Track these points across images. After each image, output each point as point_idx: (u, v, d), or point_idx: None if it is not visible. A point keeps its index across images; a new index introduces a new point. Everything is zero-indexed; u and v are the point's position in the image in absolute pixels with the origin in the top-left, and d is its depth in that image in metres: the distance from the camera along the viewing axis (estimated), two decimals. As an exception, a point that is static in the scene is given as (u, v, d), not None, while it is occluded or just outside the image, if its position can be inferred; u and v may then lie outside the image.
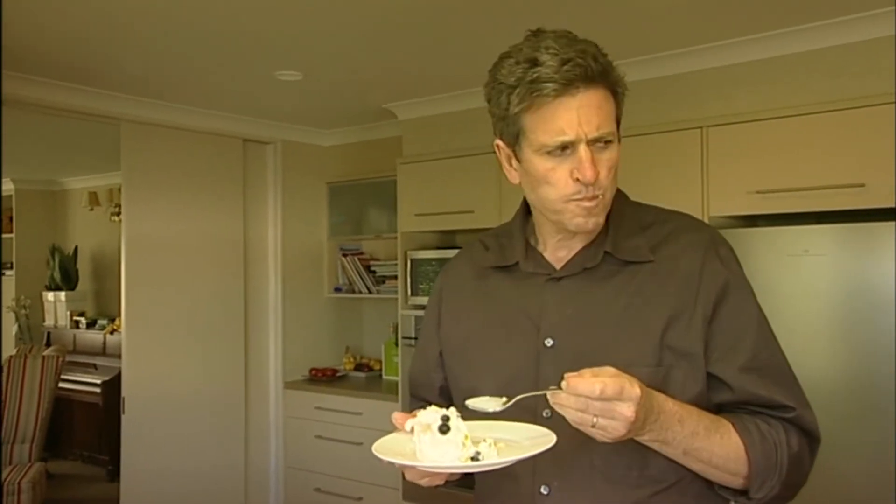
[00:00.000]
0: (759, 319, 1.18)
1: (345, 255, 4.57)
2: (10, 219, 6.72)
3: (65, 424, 5.83)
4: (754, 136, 2.80)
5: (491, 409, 1.04)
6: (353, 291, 4.53)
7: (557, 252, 1.22)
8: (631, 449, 1.08)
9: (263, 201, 4.48)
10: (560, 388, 0.96)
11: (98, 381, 5.50)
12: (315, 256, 4.65)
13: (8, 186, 6.66)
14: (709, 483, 1.14)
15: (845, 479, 2.46)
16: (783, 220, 2.77)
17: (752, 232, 2.80)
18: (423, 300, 3.79)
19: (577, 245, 1.21)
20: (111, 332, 5.74)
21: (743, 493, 1.12)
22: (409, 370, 1.44)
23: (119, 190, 5.98)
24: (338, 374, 4.46)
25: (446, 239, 4.03)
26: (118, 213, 5.97)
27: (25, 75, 3.27)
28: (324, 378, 4.40)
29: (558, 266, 1.22)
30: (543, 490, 1.16)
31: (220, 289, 4.18)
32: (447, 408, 1.02)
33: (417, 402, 1.39)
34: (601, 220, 1.16)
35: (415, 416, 1.04)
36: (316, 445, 4.22)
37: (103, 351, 5.82)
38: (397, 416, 1.07)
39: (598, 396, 0.93)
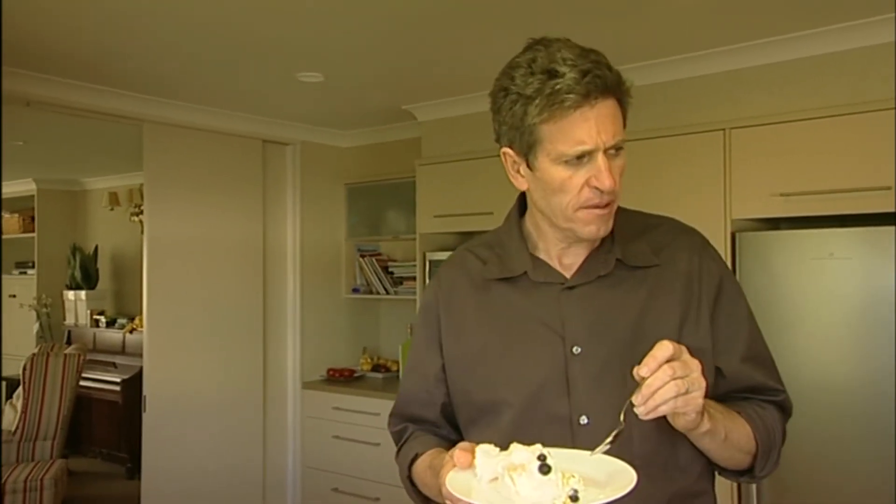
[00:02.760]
0: (749, 312, 1.27)
1: (362, 256, 4.59)
2: (32, 218, 6.80)
3: (84, 422, 5.89)
4: (777, 139, 2.78)
5: (591, 455, 1.02)
6: (371, 292, 4.54)
7: (563, 259, 1.23)
8: (663, 442, 1.15)
9: (282, 202, 4.50)
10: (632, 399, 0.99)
11: (118, 380, 5.55)
12: (333, 257, 4.67)
13: (30, 186, 6.73)
14: (712, 470, 1.24)
15: (870, 481, 2.44)
16: (806, 223, 2.75)
17: (775, 235, 2.77)
18: None
19: (582, 252, 1.22)
20: (130, 332, 5.79)
21: (746, 472, 1.22)
22: (401, 388, 1.40)
23: (139, 190, 6.05)
24: (355, 375, 4.47)
25: (465, 240, 4.02)
26: (138, 214, 6.03)
27: (48, 76, 3.31)
28: (341, 378, 4.41)
29: (567, 273, 1.22)
30: None
31: (240, 288, 4.20)
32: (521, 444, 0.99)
33: (410, 421, 1.36)
34: (610, 226, 1.18)
35: (472, 450, 1.00)
36: (334, 445, 4.23)
37: (122, 350, 5.86)
38: (460, 455, 1.02)
39: (672, 355, 0.98)
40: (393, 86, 3.61)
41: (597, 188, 1.11)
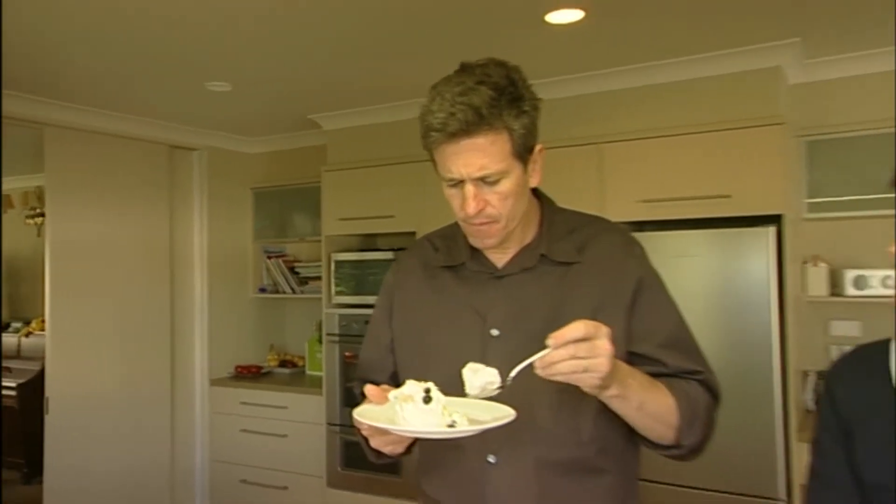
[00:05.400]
0: (670, 306, 1.36)
1: (269, 258, 4.72)
2: (-86, 220, 6.51)
3: (-25, 429, 5.72)
4: (642, 153, 3.15)
5: (494, 387, 1.12)
6: (277, 292, 4.70)
7: (495, 253, 1.36)
8: (568, 416, 1.27)
9: (189, 205, 4.56)
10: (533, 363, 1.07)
11: (13, 385, 5.43)
12: (240, 258, 4.78)
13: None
14: (625, 449, 1.33)
15: (727, 449, 2.80)
16: (666, 226, 3.10)
17: (641, 236, 3.11)
18: (346, 299, 4.01)
19: (514, 247, 1.36)
20: (27, 335, 5.68)
21: (671, 446, 1.28)
22: (360, 355, 1.54)
23: (35, 192, 5.95)
24: (262, 371, 4.60)
25: (368, 242, 4.27)
26: (34, 216, 5.92)
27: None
28: (249, 375, 4.54)
29: (499, 265, 1.36)
30: (491, 459, 1.29)
31: (147, 290, 4.23)
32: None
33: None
34: (496, 241, 1.30)
35: (386, 389, 1.18)
36: (242, 439, 4.35)
37: (18, 354, 5.74)
38: (370, 388, 1.19)
39: (583, 335, 1.05)
40: (299, 96, 3.76)
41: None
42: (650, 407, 1.22)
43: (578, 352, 1.05)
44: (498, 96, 1.18)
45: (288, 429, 4.18)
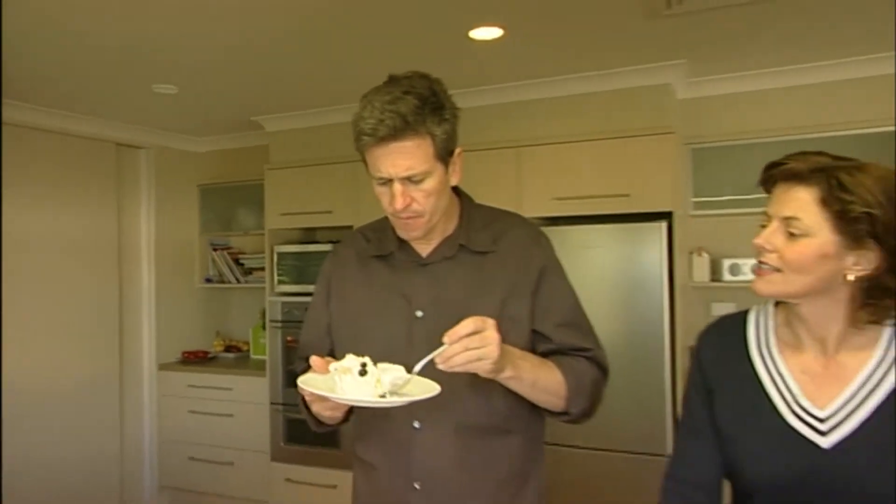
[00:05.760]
0: (568, 291, 1.51)
1: (215, 250, 4.93)
2: None
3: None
4: (553, 156, 3.49)
5: (401, 380, 1.24)
6: (223, 282, 4.91)
7: (420, 244, 1.49)
8: (481, 389, 1.40)
9: (137, 201, 4.70)
10: (434, 358, 1.20)
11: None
12: (187, 251, 4.96)
13: None
14: (530, 413, 1.48)
15: (624, 414, 3.21)
16: (574, 221, 3.44)
17: (554, 230, 3.41)
18: (287, 288, 4.24)
19: (436, 239, 1.48)
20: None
21: (563, 413, 1.43)
22: (301, 338, 1.65)
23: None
24: (209, 356, 4.81)
25: (308, 235, 4.53)
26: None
27: None
28: (196, 360, 4.74)
29: (424, 255, 1.48)
30: (416, 425, 1.43)
31: (95, 282, 4.34)
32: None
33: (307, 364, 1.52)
34: (420, 233, 1.42)
35: (329, 361, 1.28)
36: (190, 419, 4.55)
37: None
38: (315, 359, 1.30)
39: (472, 330, 1.18)
40: (243, 99, 3.92)
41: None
42: (542, 383, 1.37)
43: (471, 344, 1.19)
44: (422, 105, 1.30)
45: (233, 409, 4.39)
